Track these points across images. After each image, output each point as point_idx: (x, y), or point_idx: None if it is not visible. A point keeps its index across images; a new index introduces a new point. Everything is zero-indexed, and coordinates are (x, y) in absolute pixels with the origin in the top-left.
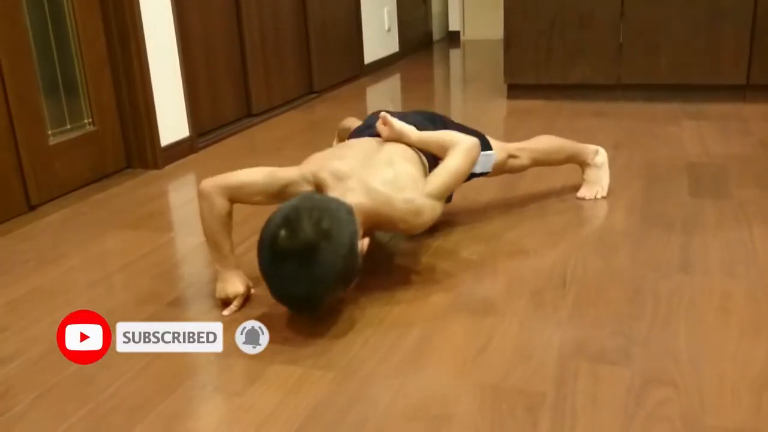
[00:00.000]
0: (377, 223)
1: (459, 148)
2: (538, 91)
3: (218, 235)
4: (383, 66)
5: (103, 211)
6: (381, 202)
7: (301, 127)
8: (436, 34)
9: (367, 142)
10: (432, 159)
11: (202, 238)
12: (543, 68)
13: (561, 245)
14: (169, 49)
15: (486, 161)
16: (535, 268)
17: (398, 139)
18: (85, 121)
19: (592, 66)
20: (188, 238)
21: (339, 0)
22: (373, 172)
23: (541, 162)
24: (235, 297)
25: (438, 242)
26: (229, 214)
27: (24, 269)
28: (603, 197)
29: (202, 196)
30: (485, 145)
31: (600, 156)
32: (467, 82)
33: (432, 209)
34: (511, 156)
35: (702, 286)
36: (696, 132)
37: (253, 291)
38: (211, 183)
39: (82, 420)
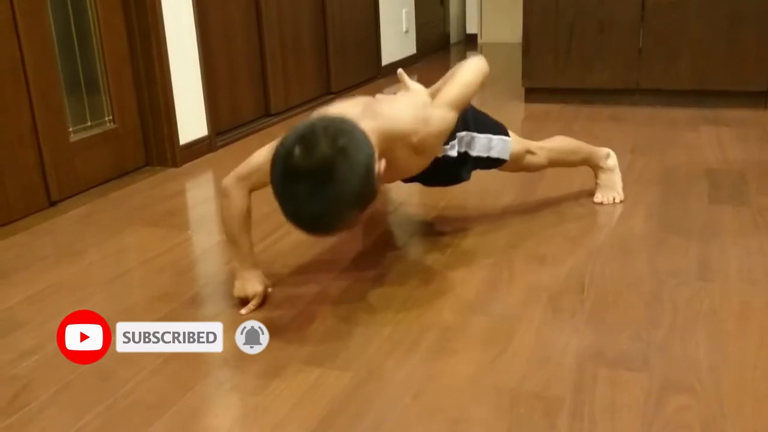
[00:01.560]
0: (391, 144)
1: (468, 63)
2: (556, 94)
3: (237, 233)
4: (400, 67)
5: (122, 208)
6: (390, 119)
7: None
8: (454, 37)
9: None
10: None
11: (219, 237)
12: (561, 72)
13: (579, 250)
14: (189, 48)
15: (503, 146)
16: (553, 273)
17: None
18: (106, 118)
19: (611, 70)
20: (206, 237)
21: (357, 1)
22: (381, 102)
23: (557, 162)
24: (254, 296)
25: (453, 245)
26: (248, 211)
27: (43, 265)
28: (621, 201)
29: (222, 193)
30: (504, 132)
31: (611, 159)
32: (484, 84)
33: (441, 117)
34: (529, 152)
35: (721, 293)
36: (715, 138)
37: (270, 290)
38: (228, 177)
39: (100, 416)
